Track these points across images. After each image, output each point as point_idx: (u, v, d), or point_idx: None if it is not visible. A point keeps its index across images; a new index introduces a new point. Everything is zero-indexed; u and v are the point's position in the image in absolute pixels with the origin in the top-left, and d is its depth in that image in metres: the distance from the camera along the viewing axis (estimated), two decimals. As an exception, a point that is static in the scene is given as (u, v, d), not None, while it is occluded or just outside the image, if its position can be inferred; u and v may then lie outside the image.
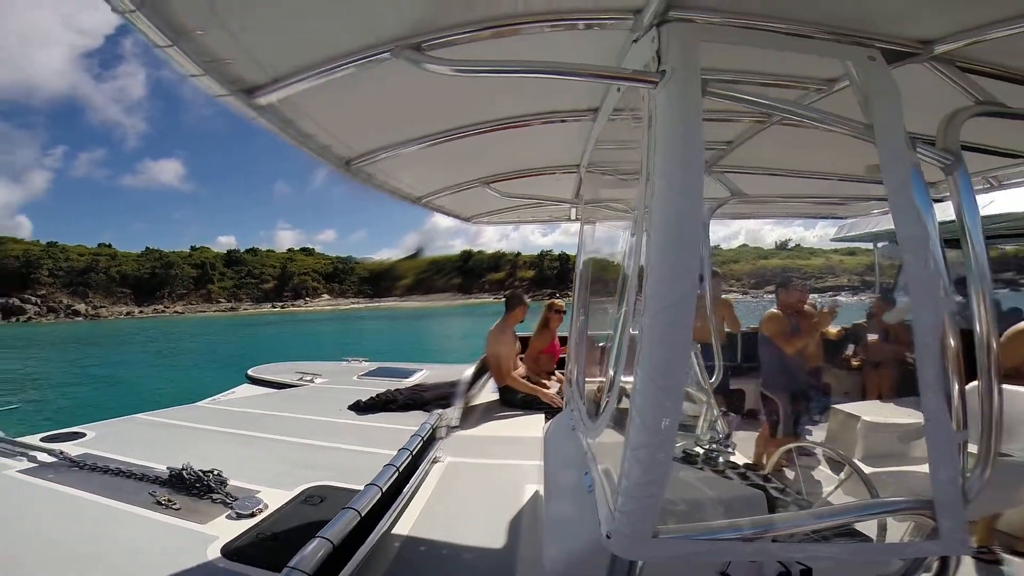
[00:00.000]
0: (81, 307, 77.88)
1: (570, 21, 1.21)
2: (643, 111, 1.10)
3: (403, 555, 1.88)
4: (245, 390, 5.26)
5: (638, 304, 1.02)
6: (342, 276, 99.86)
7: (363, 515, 1.83)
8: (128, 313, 79.26)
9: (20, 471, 2.69)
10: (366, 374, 5.68)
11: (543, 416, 3.56)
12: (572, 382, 2.25)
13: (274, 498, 2.29)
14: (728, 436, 1.72)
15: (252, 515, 2.16)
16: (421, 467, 2.51)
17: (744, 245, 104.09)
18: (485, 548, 1.92)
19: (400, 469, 2.27)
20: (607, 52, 1.36)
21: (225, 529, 2.07)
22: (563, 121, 1.92)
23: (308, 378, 5.39)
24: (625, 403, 1.03)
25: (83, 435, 3.29)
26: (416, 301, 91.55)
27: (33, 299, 75.98)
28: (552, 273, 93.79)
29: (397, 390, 4.52)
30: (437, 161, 2.17)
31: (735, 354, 4.22)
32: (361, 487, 2.17)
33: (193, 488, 2.37)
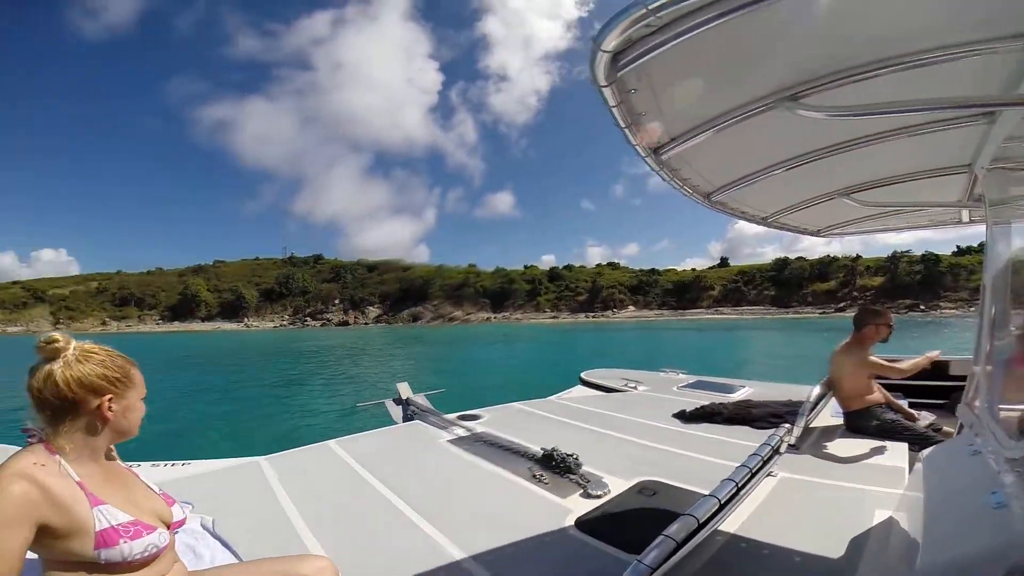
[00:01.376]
0: (457, 313, 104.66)
1: (953, 54, 1.20)
2: None
3: (730, 547, 1.95)
4: (580, 391, 5.97)
5: None
6: (646, 288, 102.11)
7: (723, 502, 2.04)
8: (487, 319, 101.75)
9: (447, 440, 3.52)
10: (685, 386, 5.81)
11: (904, 445, 3.05)
12: (979, 404, 1.93)
13: (613, 485, 2.58)
14: None
15: (599, 496, 2.45)
16: (755, 479, 2.56)
17: None
18: (815, 555, 1.85)
19: (747, 470, 2.37)
20: (987, 72, 1.26)
21: (578, 504, 2.36)
22: (945, 129, 1.75)
23: (632, 385, 5.88)
24: None
25: (480, 416, 4.17)
26: (722, 314, 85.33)
27: (429, 307, 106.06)
28: (912, 280, 72.48)
29: (722, 404, 4.53)
30: (790, 181, 2.23)
31: None
32: (688, 487, 2.34)
33: (558, 467, 2.77)
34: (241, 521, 2.24)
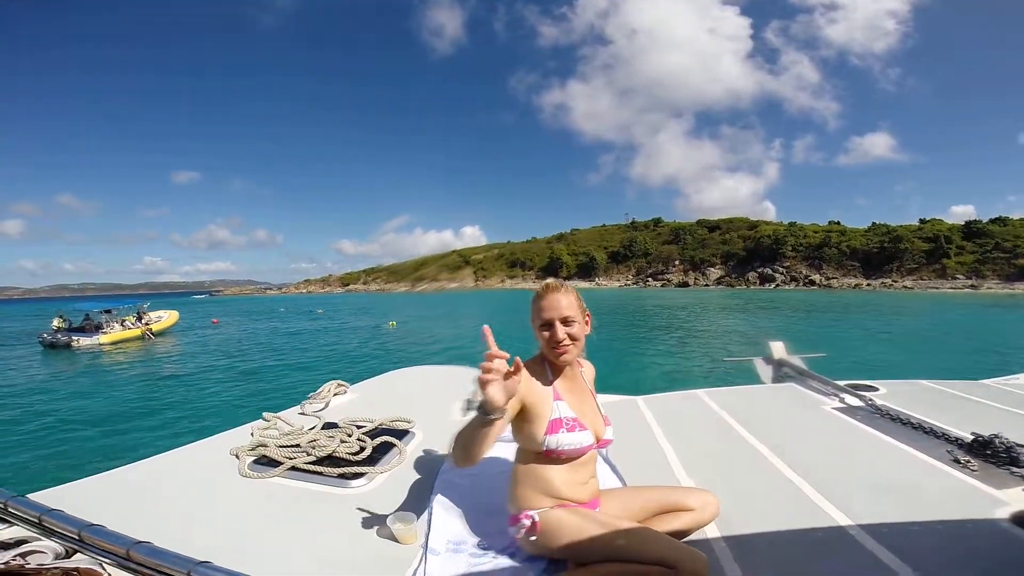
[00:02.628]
0: (816, 277, 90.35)
1: None
2: None
3: None
4: None
5: None
6: None
7: None
8: (856, 285, 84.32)
9: (834, 408, 3.24)
10: None
11: None
12: None
13: None
14: None
15: None
16: None
17: None
18: None
19: None
20: None
21: (1019, 500, 2.01)
22: None
23: None
24: None
25: (877, 389, 3.69)
26: None
27: (780, 269, 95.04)
28: None
29: None
30: None
31: None
32: None
33: (996, 456, 2.35)
34: (623, 450, 2.42)
